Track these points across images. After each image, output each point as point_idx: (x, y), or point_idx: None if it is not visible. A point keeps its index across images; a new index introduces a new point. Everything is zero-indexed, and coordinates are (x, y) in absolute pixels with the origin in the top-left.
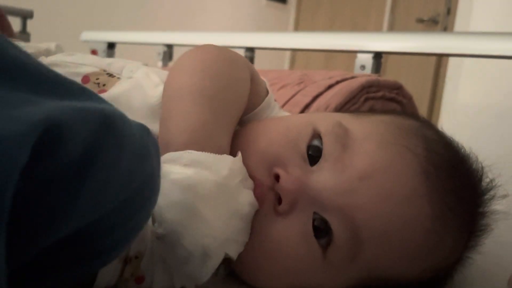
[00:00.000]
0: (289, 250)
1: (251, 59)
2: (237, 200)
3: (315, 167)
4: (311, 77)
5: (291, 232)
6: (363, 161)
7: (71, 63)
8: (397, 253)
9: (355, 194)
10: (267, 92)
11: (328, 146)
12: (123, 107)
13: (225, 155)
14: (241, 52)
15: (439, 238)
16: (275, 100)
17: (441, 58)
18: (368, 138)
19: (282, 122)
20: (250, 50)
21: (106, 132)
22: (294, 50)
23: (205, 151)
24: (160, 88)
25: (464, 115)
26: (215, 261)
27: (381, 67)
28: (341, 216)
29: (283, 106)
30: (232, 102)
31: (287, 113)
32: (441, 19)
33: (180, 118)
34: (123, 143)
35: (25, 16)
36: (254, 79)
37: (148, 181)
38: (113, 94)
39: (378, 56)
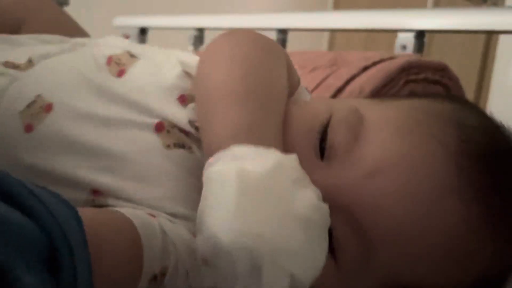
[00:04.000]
0: None
1: (283, 42)
2: (292, 199)
3: (325, 162)
4: (344, 58)
5: None
6: (374, 153)
7: (99, 44)
8: (421, 261)
9: (361, 192)
10: (299, 79)
11: (338, 137)
12: (139, 91)
13: (273, 149)
14: (273, 35)
15: (480, 245)
16: (306, 88)
17: (490, 38)
18: (384, 126)
19: (301, 109)
20: (283, 32)
21: None
22: (324, 31)
23: None
24: (176, 70)
25: None
26: (271, 275)
27: (424, 47)
28: (347, 218)
29: (313, 91)
30: (276, 97)
31: None
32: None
33: (223, 121)
34: None
35: (61, 3)
36: (288, 66)
37: None
38: (130, 79)
39: (420, 35)
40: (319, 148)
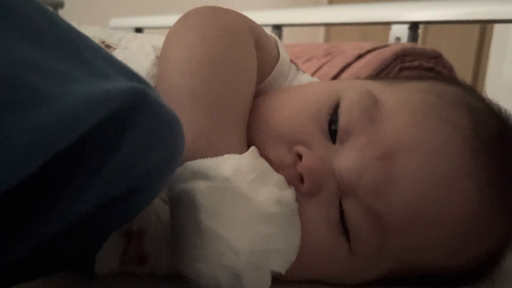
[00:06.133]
0: (310, 236)
1: (279, 38)
2: (255, 201)
3: (338, 145)
4: (339, 48)
5: (314, 217)
6: (388, 138)
7: None
8: (434, 243)
9: (376, 176)
10: (277, 54)
11: (352, 120)
12: None
13: (226, 155)
14: (268, 31)
15: (488, 225)
16: (292, 62)
17: (484, 31)
18: (400, 110)
19: (302, 92)
20: (278, 28)
21: (139, 110)
22: (319, 25)
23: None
24: (151, 57)
25: (510, 93)
26: (252, 280)
27: (418, 39)
28: (362, 201)
29: None
30: (236, 92)
31: (307, 76)
32: None
33: None
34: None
35: (56, 5)
36: (260, 45)
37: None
38: None
39: (414, 26)
40: (328, 131)
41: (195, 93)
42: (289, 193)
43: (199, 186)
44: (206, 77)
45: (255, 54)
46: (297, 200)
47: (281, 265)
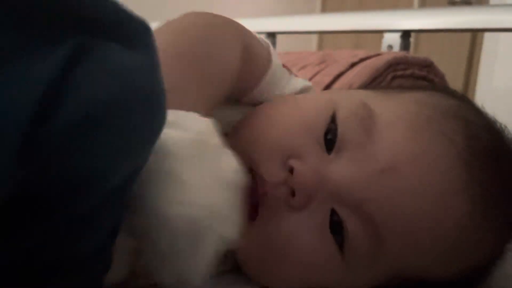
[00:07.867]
0: (303, 247)
1: (272, 46)
2: (219, 163)
3: (333, 155)
4: (333, 56)
5: (305, 227)
6: (387, 151)
7: None
8: (428, 254)
9: (373, 189)
10: (269, 61)
11: (349, 131)
12: None
13: (193, 113)
14: None
15: (480, 237)
16: (284, 66)
17: (475, 40)
18: (396, 122)
19: (297, 103)
20: (271, 35)
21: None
22: (312, 33)
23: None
24: None
25: (500, 100)
26: (209, 247)
27: (410, 47)
28: (359, 213)
29: None
30: (211, 70)
31: (299, 80)
32: (474, 0)
33: None
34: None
35: None
36: (250, 50)
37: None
38: None
39: (406, 35)
40: (324, 141)
41: (180, 53)
42: (242, 168)
43: (172, 134)
44: (189, 46)
45: (237, 51)
46: (287, 212)
47: (233, 234)
